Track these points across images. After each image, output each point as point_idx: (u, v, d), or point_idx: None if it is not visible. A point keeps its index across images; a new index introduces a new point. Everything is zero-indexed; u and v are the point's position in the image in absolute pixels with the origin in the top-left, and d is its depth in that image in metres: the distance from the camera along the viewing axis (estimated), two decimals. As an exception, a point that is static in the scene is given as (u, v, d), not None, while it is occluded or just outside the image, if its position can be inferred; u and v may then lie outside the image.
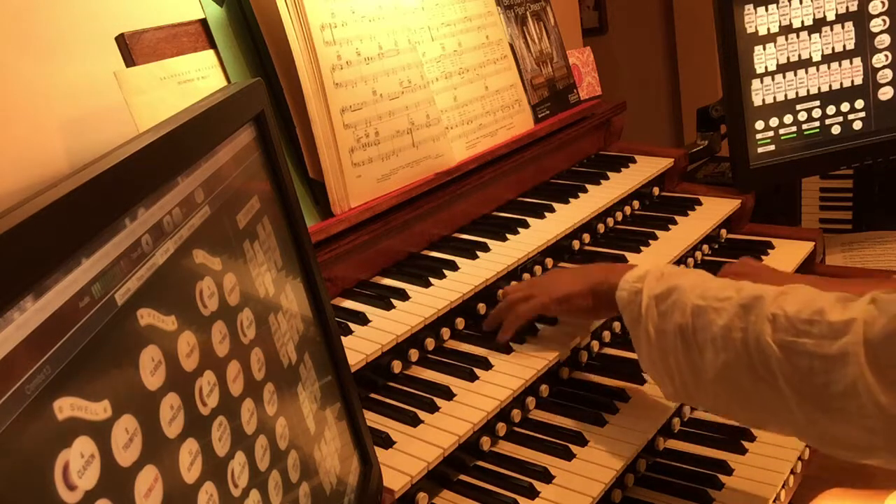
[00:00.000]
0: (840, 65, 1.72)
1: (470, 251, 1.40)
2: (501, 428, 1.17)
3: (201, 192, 0.66)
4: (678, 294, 1.00)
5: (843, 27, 1.70)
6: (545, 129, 1.71)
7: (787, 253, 1.65)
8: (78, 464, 0.44)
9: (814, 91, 1.74)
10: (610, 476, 1.08)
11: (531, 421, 1.22)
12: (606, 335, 1.37)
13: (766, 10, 1.69)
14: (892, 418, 0.80)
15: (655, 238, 1.58)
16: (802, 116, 1.75)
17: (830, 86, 1.73)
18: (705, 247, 1.67)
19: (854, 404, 0.82)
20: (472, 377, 1.18)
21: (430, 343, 1.24)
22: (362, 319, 1.21)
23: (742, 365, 0.91)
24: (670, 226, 1.63)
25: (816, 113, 1.75)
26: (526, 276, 1.43)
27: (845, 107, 1.74)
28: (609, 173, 1.74)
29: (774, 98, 1.74)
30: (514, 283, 1.36)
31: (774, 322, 0.89)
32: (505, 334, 1.24)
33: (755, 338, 0.90)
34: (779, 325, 0.88)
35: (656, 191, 1.82)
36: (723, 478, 1.15)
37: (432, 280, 1.32)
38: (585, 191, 1.66)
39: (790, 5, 1.69)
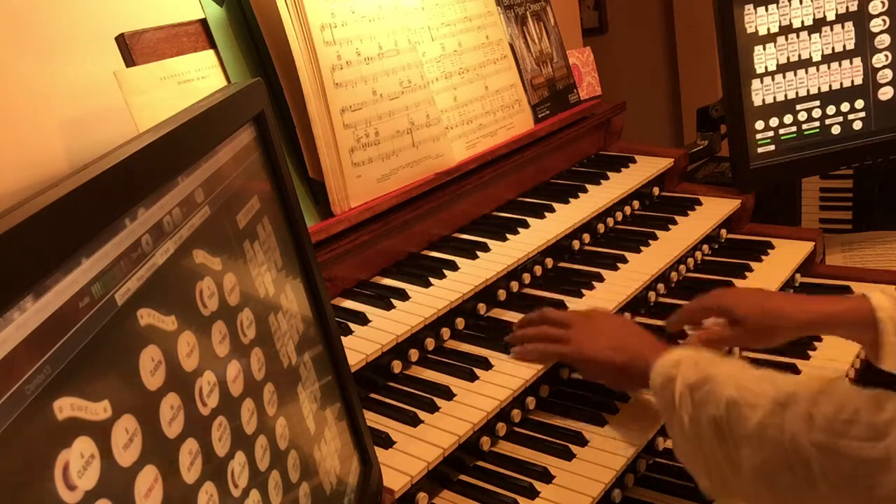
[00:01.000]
0: (840, 65, 1.72)
1: (470, 251, 1.40)
2: (501, 428, 1.17)
3: (201, 192, 0.66)
4: (712, 384, 0.97)
5: (843, 27, 1.70)
6: (545, 129, 1.71)
7: (787, 253, 1.65)
8: (78, 464, 0.44)
9: (814, 91, 1.73)
10: (610, 476, 1.08)
11: (531, 421, 1.22)
12: (606, 335, 1.37)
13: (766, 10, 1.69)
14: None
15: (655, 238, 1.58)
16: (802, 116, 1.75)
17: (830, 86, 1.73)
18: (705, 247, 1.67)
19: None
20: (472, 377, 1.18)
21: (430, 343, 1.24)
22: (362, 319, 1.21)
23: (780, 464, 0.89)
24: (670, 226, 1.63)
25: (816, 113, 1.75)
26: (526, 275, 1.43)
27: (845, 107, 1.74)
28: (609, 173, 1.74)
29: (774, 98, 1.74)
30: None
31: (811, 421, 0.86)
32: (520, 357, 1.21)
33: (791, 437, 0.87)
34: (816, 425, 0.86)
35: (656, 191, 1.82)
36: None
37: (432, 280, 1.32)
38: (585, 191, 1.66)
39: (790, 5, 1.69)
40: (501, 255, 1.39)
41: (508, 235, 1.47)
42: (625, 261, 1.49)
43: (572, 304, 1.35)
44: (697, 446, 0.98)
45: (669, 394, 1.01)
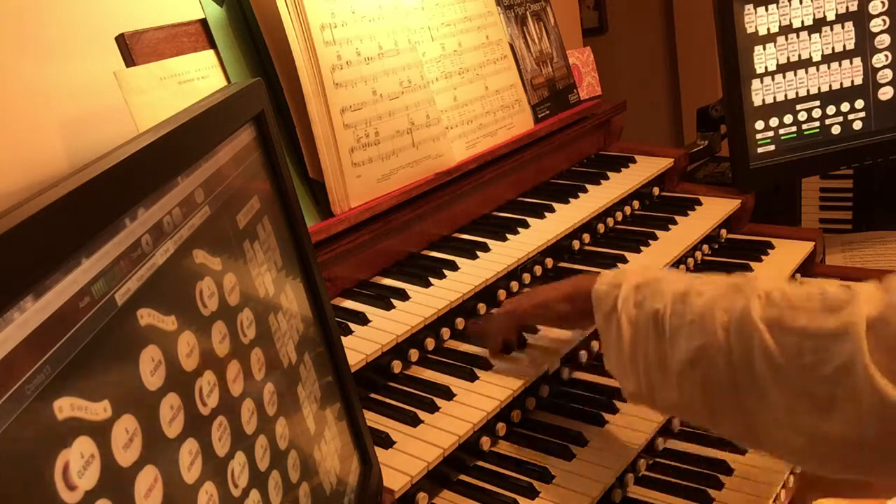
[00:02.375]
0: (840, 65, 1.72)
1: (470, 251, 1.40)
2: (501, 428, 1.17)
3: (201, 192, 0.66)
4: (660, 284, 0.93)
5: (843, 27, 1.70)
6: (545, 129, 1.71)
7: (787, 253, 1.65)
8: (78, 464, 0.44)
9: (814, 91, 1.74)
10: (610, 476, 1.08)
11: (531, 421, 1.22)
12: (606, 335, 1.37)
13: (766, 10, 1.69)
14: (890, 406, 0.71)
15: (655, 238, 1.58)
16: (802, 116, 1.75)
17: (830, 86, 1.73)
18: (705, 247, 1.67)
19: (846, 388, 0.73)
20: (472, 377, 1.18)
21: (430, 343, 1.24)
22: (362, 319, 1.21)
23: (719, 349, 0.83)
24: (670, 226, 1.63)
25: (816, 113, 1.75)
26: (526, 275, 1.43)
27: (845, 107, 1.74)
28: (609, 173, 1.74)
29: (774, 98, 1.74)
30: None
31: (766, 299, 0.81)
32: (487, 347, 1.22)
33: (739, 315, 0.82)
34: (771, 300, 0.81)
35: (656, 191, 1.82)
36: (723, 478, 1.15)
37: (432, 280, 1.32)
38: (585, 191, 1.66)
39: (790, 5, 1.69)
40: (501, 255, 1.39)
41: (508, 235, 1.47)
42: (625, 261, 1.49)
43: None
44: (631, 348, 0.94)
45: (611, 299, 0.97)
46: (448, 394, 1.14)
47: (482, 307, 1.35)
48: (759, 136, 1.75)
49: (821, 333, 0.76)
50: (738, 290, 0.85)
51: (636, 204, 1.73)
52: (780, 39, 1.71)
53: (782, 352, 0.78)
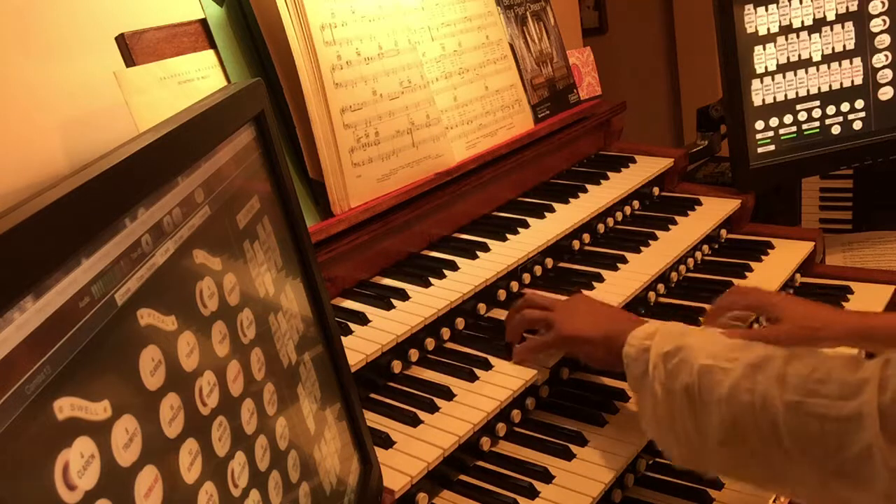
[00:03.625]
0: (840, 65, 1.72)
1: (470, 251, 1.40)
2: (501, 428, 1.17)
3: (201, 192, 0.66)
4: (686, 352, 0.96)
5: (843, 27, 1.70)
6: (545, 129, 1.71)
7: (787, 253, 1.65)
8: (78, 464, 0.44)
9: (814, 91, 1.74)
10: (610, 476, 1.08)
11: (531, 421, 1.22)
12: (606, 335, 1.37)
13: (766, 10, 1.69)
14: None
15: (655, 238, 1.58)
16: (802, 116, 1.75)
17: (830, 86, 1.73)
18: (705, 247, 1.67)
19: (869, 469, 0.78)
20: (472, 377, 1.18)
21: (430, 343, 1.24)
22: (362, 319, 1.21)
23: (749, 427, 0.88)
24: (670, 226, 1.63)
25: (816, 113, 1.75)
26: (526, 275, 1.43)
27: (845, 107, 1.74)
28: (609, 173, 1.74)
29: (774, 98, 1.74)
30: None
31: (784, 382, 0.85)
32: (518, 361, 1.22)
33: (762, 398, 0.86)
34: (788, 384, 0.85)
35: (656, 191, 1.82)
36: (723, 478, 1.15)
37: (432, 280, 1.32)
38: (585, 191, 1.66)
39: (790, 5, 1.69)
40: (501, 255, 1.39)
41: (508, 235, 1.47)
42: (625, 261, 1.49)
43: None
44: (669, 416, 0.97)
45: (643, 364, 1.01)
46: (448, 394, 1.14)
47: (482, 307, 1.35)
48: (759, 136, 1.75)
49: (838, 419, 0.80)
50: (757, 370, 0.89)
51: (636, 204, 1.73)
52: (780, 39, 1.71)
53: (807, 434, 0.83)
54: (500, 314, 1.36)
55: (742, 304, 1.25)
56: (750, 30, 1.70)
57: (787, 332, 1.14)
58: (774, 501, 1.14)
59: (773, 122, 1.75)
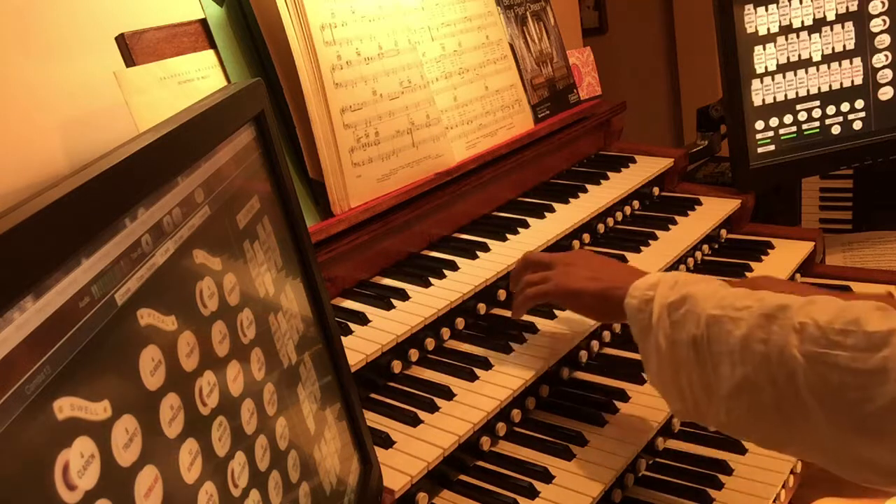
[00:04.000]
0: (840, 65, 1.72)
1: (470, 251, 1.40)
2: (501, 428, 1.17)
3: (201, 192, 0.66)
4: (692, 303, 0.92)
5: (843, 27, 1.70)
6: (545, 129, 1.71)
7: (787, 253, 1.65)
8: (78, 464, 0.44)
9: (814, 91, 1.73)
10: (610, 476, 1.08)
11: (531, 421, 1.22)
12: (606, 335, 1.37)
13: (766, 10, 1.69)
14: None
15: (655, 238, 1.58)
16: (802, 116, 1.75)
17: (830, 86, 1.73)
18: (705, 247, 1.67)
19: (892, 424, 0.75)
20: (472, 377, 1.18)
21: (430, 343, 1.24)
22: (362, 319, 1.21)
23: (763, 379, 0.84)
24: (670, 226, 1.63)
25: (816, 113, 1.75)
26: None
27: (845, 107, 1.74)
28: (609, 173, 1.74)
29: (774, 98, 1.74)
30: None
31: (802, 332, 0.81)
32: (516, 313, 1.23)
33: (778, 349, 0.82)
34: (807, 335, 0.80)
35: (656, 191, 1.82)
36: (723, 478, 1.15)
37: (432, 280, 1.32)
38: (585, 191, 1.66)
39: (790, 5, 1.69)
40: (501, 255, 1.39)
41: (508, 235, 1.47)
42: (625, 261, 1.48)
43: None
44: (673, 368, 0.94)
45: (646, 316, 0.97)
46: (448, 394, 1.14)
47: (482, 307, 1.35)
48: (759, 136, 1.75)
49: (862, 372, 0.76)
50: (772, 320, 0.85)
51: (636, 204, 1.73)
52: (780, 39, 1.71)
53: (826, 387, 0.79)
54: (501, 314, 1.36)
55: None
56: (750, 30, 1.70)
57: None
58: (775, 501, 1.14)
59: (773, 122, 1.75)
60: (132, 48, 1.15)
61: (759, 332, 0.85)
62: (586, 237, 1.58)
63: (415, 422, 1.09)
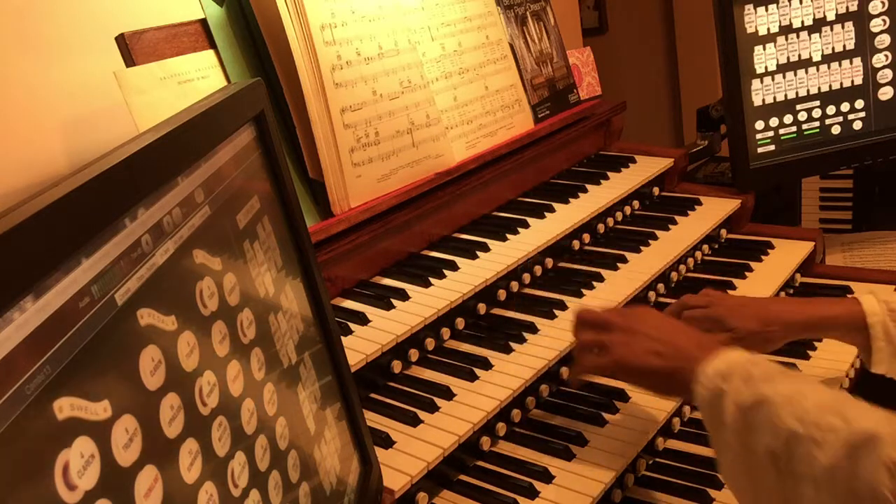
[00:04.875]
0: (840, 65, 1.72)
1: (470, 251, 1.40)
2: (501, 428, 1.17)
3: (201, 192, 0.66)
4: (769, 409, 0.86)
5: (843, 27, 1.70)
6: (545, 129, 1.71)
7: (787, 253, 1.65)
8: (78, 464, 0.44)
9: (814, 91, 1.73)
10: (610, 476, 1.08)
11: (531, 421, 1.22)
12: (606, 335, 1.37)
13: (766, 10, 1.69)
14: None
15: (655, 238, 1.58)
16: (802, 116, 1.75)
17: (830, 86, 1.73)
18: (705, 247, 1.67)
19: None
20: (472, 377, 1.18)
21: (430, 343, 1.24)
22: (362, 319, 1.21)
23: None
24: (670, 226, 1.63)
25: (816, 113, 1.75)
26: (526, 276, 1.42)
27: (845, 107, 1.74)
28: (609, 173, 1.74)
29: (774, 98, 1.74)
30: (594, 312, 1.13)
31: (894, 471, 0.75)
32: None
33: (869, 488, 0.76)
34: None
35: (656, 191, 1.82)
36: (723, 478, 1.15)
37: (432, 280, 1.32)
38: (585, 191, 1.66)
39: (790, 5, 1.69)
40: (501, 255, 1.39)
41: (508, 235, 1.47)
42: (625, 261, 1.49)
43: (572, 303, 1.35)
44: (748, 472, 0.89)
45: (718, 412, 0.90)
46: (448, 394, 1.14)
47: (482, 307, 1.35)
48: (759, 136, 1.75)
49: None
50: (860, 451, 0.79)
51: (636, 204, 1.73)
52: (780, 39, 1.71)
53: None
54: (501, 314, 1.36)
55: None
56: (750, 30, 1.70)
57: (741, 339, 1.13)
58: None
59: (773, 122, 1.75)
60: (132, 48, 1.15)
61: (846, 464, 0.79)
62: (586, 237, 1.58)
63: (415, 422, 1.09)
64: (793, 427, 0.83)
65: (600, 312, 1.11)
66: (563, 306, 1.34)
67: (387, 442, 1.05)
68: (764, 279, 1.55)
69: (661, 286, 1.53)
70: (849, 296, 1.06)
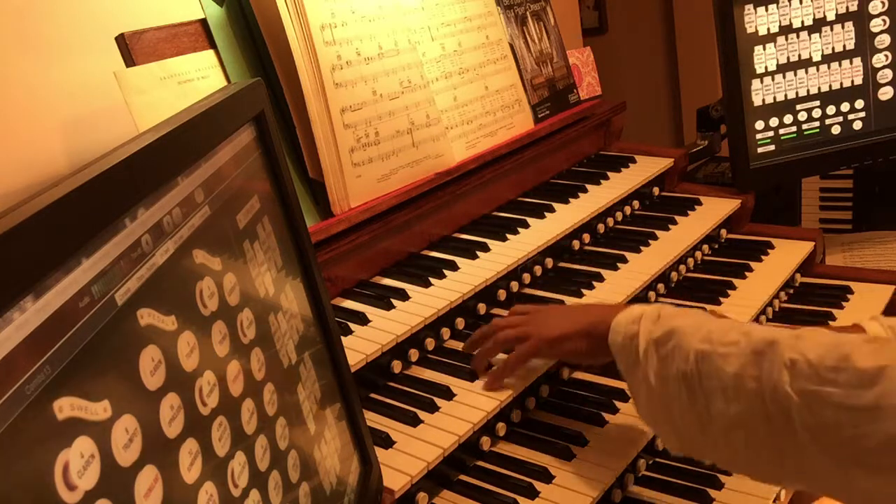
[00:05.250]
0: (840, 65, 1.72)
1: (470, 251, 1.40)
2: (501, 428, 1.17)
3: (201, 192, 0.66)
4: (679, 338, 0.92)
5: (843, 27, 1.70)
6: (545, 129, 1.71)
7: (787, 253, 1.65)
8: (78, 464, 0.44)
9: (814, 91, 1.74)
10: (610, 476, 1.08)
11: (531, 421, 1.22)
12: (606, 335, 1.37)
13: (766, 10, 1.69)
14: None
15: (655, 238, 1.58)
16: (802, 116, 1.75)
17: (830, 86, 1.73)
18: (705, 247, 1.67)
19: (890, 459, 0.74)
20: (473, 377, 1.17)
21: (430, 343, 1.24)
22: (362, 319, 1.21)
23: (757, 416, 0.83)
24: (670, 226, 1.63)
25: (816, 113, 1.75)
26: (526, 276, 1.43)
27: (845, 107, 1.74)
28: (609, 173, 1.74)
29: (774, 98, 1.74)
30: (507, 314, 1.24)
31: (793, 368, 0.80)
32: (477, 364, 1.18)
33: (771, 386, 0.81)
34: (799, 371, 0.80)
35: (656, 191, 1.82)
36: (723, 478, 1.15)
37: (432, 280, 1.32)
38: (585, 191, 1.66)
39: (790, 5, 1.69)
40: (501, 255, 1.39)
41: (508, 235, 1.47)
42: (625, 261, 1.49)
43: (572, 303, 1.35)
44: (665, 405, 0.93)
45: (632, 351, 0.96)
46: (448, 394, 1.14)
47: (482, 307, 1.35)
48: (759, 136, 1.75)
49: (855, 409, 0.76)
50: (762, 356, 0.84)
51: (636, 204, 1.73)
52: (780, 39, 1.71)
53: (821, 424, 0.78)
54: (501, 314, 1.36)
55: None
56: (750, 30, 1.70)
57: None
58: (776, 501, 1.14)
59: (773, 122, 1.75)
60: (132, 48, 1.15)
61: (750, 369, 0.84)
62: (586, 237, 1.58)
63: (415, 422, 1.09)
64: (700, 347, 0.89)
65: (512, 315, 1.21)
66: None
67: (387, 442, 1.05)
68: (764, 279, 1.55)
69: (661, 286, 1.53)
70: (854, 323, 1.05)
